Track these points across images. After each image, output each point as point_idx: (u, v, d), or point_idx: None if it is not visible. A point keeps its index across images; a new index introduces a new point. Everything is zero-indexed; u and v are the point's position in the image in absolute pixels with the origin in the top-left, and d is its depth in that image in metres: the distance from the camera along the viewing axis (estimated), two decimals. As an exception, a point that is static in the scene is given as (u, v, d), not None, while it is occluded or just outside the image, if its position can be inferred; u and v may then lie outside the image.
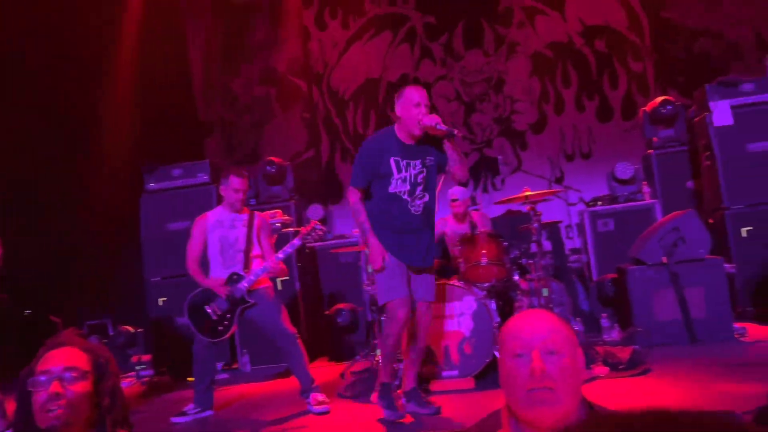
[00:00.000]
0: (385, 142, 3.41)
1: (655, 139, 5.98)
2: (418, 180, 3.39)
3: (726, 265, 4.61)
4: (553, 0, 7.66)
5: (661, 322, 4.50)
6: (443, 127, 3.22)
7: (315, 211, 6.48)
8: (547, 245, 6.03)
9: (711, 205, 5.49)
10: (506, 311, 4.80)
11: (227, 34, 8.35)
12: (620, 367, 3.89)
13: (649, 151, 5.99)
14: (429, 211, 3.49)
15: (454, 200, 5.24)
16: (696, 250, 4.54)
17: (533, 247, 4.43)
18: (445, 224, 5.46)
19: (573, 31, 7.63)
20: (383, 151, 3.38)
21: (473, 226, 4.94)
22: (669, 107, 5.89)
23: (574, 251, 6.34)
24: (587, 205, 6.03)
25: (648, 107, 6.06)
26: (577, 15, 7.62)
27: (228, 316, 3.89)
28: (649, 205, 5.68)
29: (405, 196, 3.38)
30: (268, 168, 6.34)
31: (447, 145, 3.37)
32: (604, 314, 5.08)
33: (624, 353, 4.04)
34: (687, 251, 4.53)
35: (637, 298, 4.63)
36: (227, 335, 3.90)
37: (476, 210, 5.98)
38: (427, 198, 3.44)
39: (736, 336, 4.44)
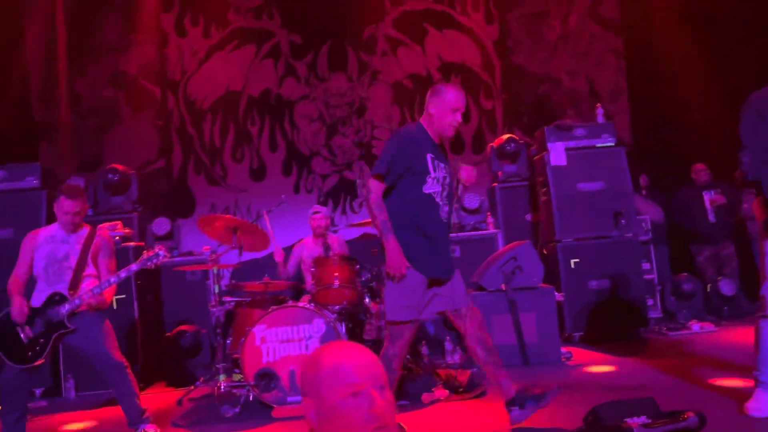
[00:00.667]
0: (421, 136, 3.10)
1: (500, 173, 6.40)
2: (445, 184, 3.11)
3: (556, 294, 5.01)
4: (415, 34, 7.99)
5: (499, 346, 4.75)
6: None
7: (160, 225, 6.11)
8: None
9: (546, 237, 5.96)
10: (356, 333, 4.82)
11: (72, 30, 7.69)
12: (460, 389, 4.04)
13: (494, 184, 6.40)
14: (450, 222, 3.24)
15: (316, 212, 5.23)
16: (531, 278, 4.88)
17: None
18: (303, 248, 5.39)
19: (432, 66, 8.00)
20: (421, 145, 3.06)
21: (327, 248, 4.92)
22: (513, 145, 6.35)
23: (424, 276, 6.54)
24: (438, 231, 6.27)
25: (495, 143, 6.48)
26: (436, 51, 8.01)
27: (41, 341, 3.41)
28: (493, 235, 6.03)
29: (438, 199, 3.07)
30: (110, 176, 5.88)
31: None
32: (448, 337, 5.27)
33: (463, 376, 4.21)
34: (523, 279, 4.85)
35: (478, 322, 4.85)
36: (38, 362, 3.44)
37: (334, 232, 5.98)
38: (448, 207, 3.17)
39: (563, 359, 4.81)
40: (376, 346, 4.81)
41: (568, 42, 8.08)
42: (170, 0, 7.89)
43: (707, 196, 6.52)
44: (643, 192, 6.95)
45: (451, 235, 6.00)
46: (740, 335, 5.15)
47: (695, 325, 5.59)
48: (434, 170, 3.05)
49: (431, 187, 3.05)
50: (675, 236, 6.94)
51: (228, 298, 4.58)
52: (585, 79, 8.05)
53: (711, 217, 6.49)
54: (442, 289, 3.16)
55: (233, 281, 5.50)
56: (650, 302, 6.13)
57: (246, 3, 7.98)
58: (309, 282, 4.85)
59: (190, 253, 6.16)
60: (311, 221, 5.25)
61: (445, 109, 3.08)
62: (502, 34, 8.06)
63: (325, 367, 1.24)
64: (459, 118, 3.08)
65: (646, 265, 6.21)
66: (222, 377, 4.17)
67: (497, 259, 4.99)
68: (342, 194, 7.80)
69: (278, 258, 5.15)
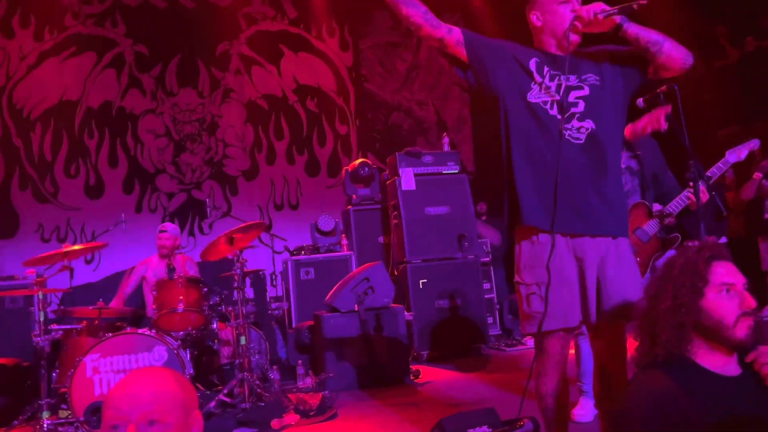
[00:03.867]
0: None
1: (354, 196, 6.50)
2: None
3: (406, 313, 5.15)
4: (270, 54, 7.94)
5: (351, 367, 4.77)
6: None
7: (-25, 246, 5.38)
8: (251, 293, 6.00)
9: (396, 258, 6.14)
10: (203, 361, 4.58)
11: None
12: (311, 413, 3.97)
13: (348, 207, 6.49)
14: None
15: (162, 231, 4.92)
16: (382, 298, 4.97)
17: (235, 294, 4.34)
18: (146, 267, 5.04)
19: (287, 87, 7.98)
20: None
21: (172, 270, 4.64)
22: (367, 169, 6.50)
23: (277, 299, 6.42)
24: (291, 253, 6.20)
25: (350, 167, 6.59)
26: (292, 72, 8.02)
27: None
28: (346, 256, 6.08)
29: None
30: None
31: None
32: (300, 361, 5.19)
33: (314, 399, 4.15)
34: (375, 300, 4.93)
35: (330, 344, 4.85)
36: None
37: (181, 253, 5.67)
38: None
39: (411, 378, 4.94)
40: (224, 372, 4.60)
41: (418, 73, 8.50)
42: (-5, -4, 7.12)
43: None
44: (483, 217, 7.44)
45: (307, 256, 6.04)
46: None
47: (530, 341, 6.04)
48: (542, 77, 2.27)
49: (538, 96, 2.27)
50: (512, 258, 7.48)
51: (56, 326, 4.12)
52: (433, 109, 8.50)
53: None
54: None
55: (62, 307, 4.99)
56: (490, 320, 6.52)
57: (86, 8, 7.41)
58: (150, 306, 4.53)
59: (11, 278, 5.48)
60: (157, 239, 4.93)
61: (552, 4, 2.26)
62: (356, 61, 8.27)
63: (106, 396, 1.18)
64: (584, 9, 2.20)
65: (486, 285, 6.61)
66: (46, 414, 3.72)
67: (350, 280, 5.03)
68: (190, 214, 7.45)
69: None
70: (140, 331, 3.92)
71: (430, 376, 5.05)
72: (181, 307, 4.08)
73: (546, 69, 2.22)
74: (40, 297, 4.00)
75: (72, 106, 7.27)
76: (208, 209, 6.03)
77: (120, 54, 7.50)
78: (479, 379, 4.75)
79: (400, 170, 5.99)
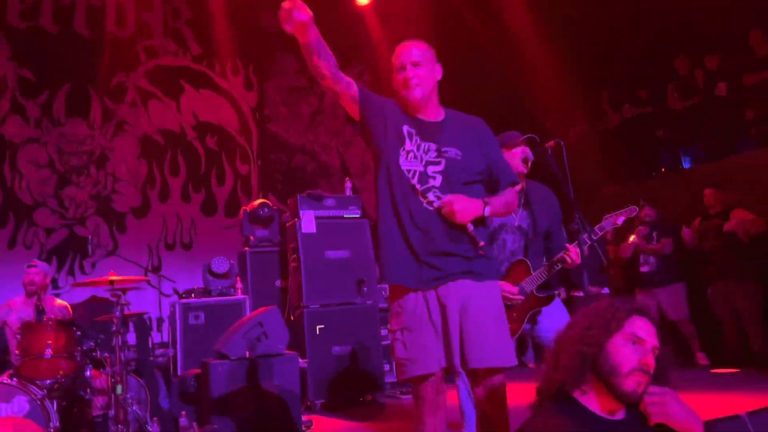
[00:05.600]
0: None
1: (251, 237, 6.30)
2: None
3: (300, 360, 4.97)
4: (170, 89, 7.69)
5: (239, 417, 4.49)
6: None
7: None
8: (133, 338, 5.59)
9: (293, 303, 5.96)
10: (73, 412, 4.15)
11: None
12: (192, 469, 3.68)
13: (245, 248, 6.27)
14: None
15: (30, 266, 4.48)
16: (276, 345, 4.78)
17: (115, 339, 4.00)
18: (9, 310, 4.55)
19: (186, 123, 7.73)
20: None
21: (40, 312, 4.21)
22: (266, 210, 6.34)
23: (162, 345, 6.02)
24: (180, 296, 5.87)
25: (249, 207, 6.41)
26: (192, 108, 7.79)
27: None
28: (241, 300, 5.83)
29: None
30: None
31: None
32: (183, 412, 4.84)
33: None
34: (268, 346, 4.73)
35: (217, 393, 4.56)
36: None
37: (55, 295, 5.21)
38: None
39: (303, 428, 4.73)
40: (97, 424, 4.20)
41: (323, 118, 8.54)
42: None
43: None
44: (384, 262, 7.45)
45: (197, 300, 5.72)
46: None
47: (425, 388, 6.01)
48: (411, 145, 2.41)
49: (407, 163, 2.41)
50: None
51: None
52: (337, 154, 8.54)
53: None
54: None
55: None
56: (387, 367, 6.45)
57: (-34, 27, 6.88)
58: (13, 352, 4.08)
59: None
60: (24, 275, 4.49)
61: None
62: (260, 102, 8.19)
63: None
64: (406, 74, 2.39)
65: (384, 332, 6.56)
66: None
67: (243, 325, 4.79)
68: (70, 252, 6.90)
69: None
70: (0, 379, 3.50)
71: (323, 426, 4.88)
72: (49, 352, 3.69)
73: (415, 138, 2.36)
74: None
75: (-61, 128, 6.63)
76: (90, 246, 5.61)
77: (2, 78, 6.96)
78: (373, 429, 4.64)
79: (301, 212, 5.90)
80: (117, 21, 7.53)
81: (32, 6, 7.14)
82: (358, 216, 6.14)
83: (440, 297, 2.26)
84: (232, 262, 6.12)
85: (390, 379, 6.48)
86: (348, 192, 6.32)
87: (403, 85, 2.38)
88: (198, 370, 5.15)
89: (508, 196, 2.44)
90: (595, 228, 3.13)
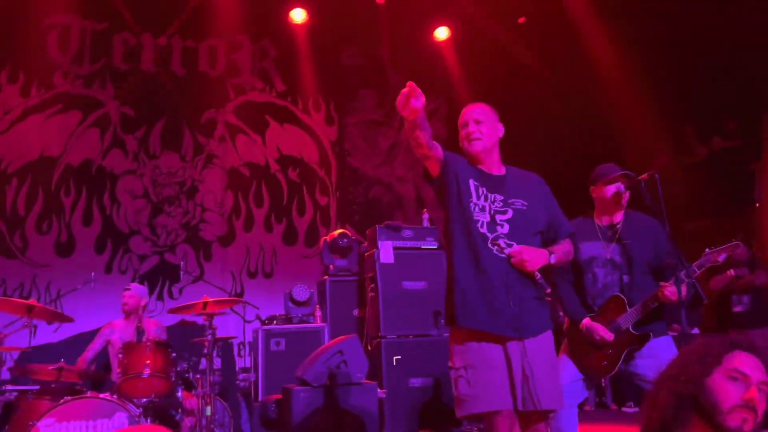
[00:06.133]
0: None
1: (331, 266, 6.44)
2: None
3: (378, 390, 5.00)
4: (256, 124, 8.07)
5: (319, 445, 4.56)
6: None
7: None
8: (218, 362, 5.80)
9: (371, 332, 6.02)
10: None
11: None
12: (275, 493, 3.76)
13: (324, 277, 6.41)
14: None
15: (126, 289, 4.78)
16: (355, 373, 4.84)
17: (203, 362, 4.19)
18: (112, 330, 4.86)
19: (271, 156, 8.07)
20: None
21: (140, 333, 4.47)
22: (345, 240, 6.48)
23: (244, 370, 6.20)
24: (262, 323, 6.06)
25: (328, 237, 6.57)
26: (276, 142, 8.14)
27: None
28: (320, 328, 5.95)
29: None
30: None
31: None
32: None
33: (281, 478, 3.94)
34: (348, 374, 4.79)
35: (297, 419, 4.65)
36: None
37: (150, 317, 5.50)
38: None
39: (382, 458, 4.74)
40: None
41: (399, 151, 8.69)
42: (-13, 51, 7.18)
43: None
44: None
45: (279, 326, 5.88)
46: None
47: (503, 424, 5.89)
48: (478, 197, 2.59)
49: (475, 214, 2.57)
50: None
51: (9, 387, 3.90)
52: (413, 186, 8.64)
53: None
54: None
55: (19, 365, 4.73)
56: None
57: (76, 68, 7.51)
58: (115, 370, 4.33)
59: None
60: (121, 297, 4.79)
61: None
62: (340, 136, 8.45)
63: None
64: (468, 129, 2.65)
65: (461, 365, 6.50)
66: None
67: (323, 352, 4.89)
68: (160, 278, 7.28)
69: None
70: (101, 395, 3.73)
71: (401, 458, 4.86)
72: (147, 371, 3.90)
73: (481, 190, 2.57)
74: (-3, 355, 3.81)
75: (51, 162, 7.21)
76: (181, 273, 5.91)
77: (105, 114, 7.54)
78: (451, 463, 4.57)
79: (380, 242, 5.99)
80: (209, 61, 8.03)
81: (134, 48, 7.74)
82: (435, 247, 6.17)
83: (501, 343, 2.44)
84: (311, 290, 6.27)
85: (466, 413, 6.39)
86: (425, 223, 6.37)
87: (465, 138, 2.64)
88: (279, 396, 5.28)
89: (567, 245, 2.66)
90: (693, 266, 3.02)
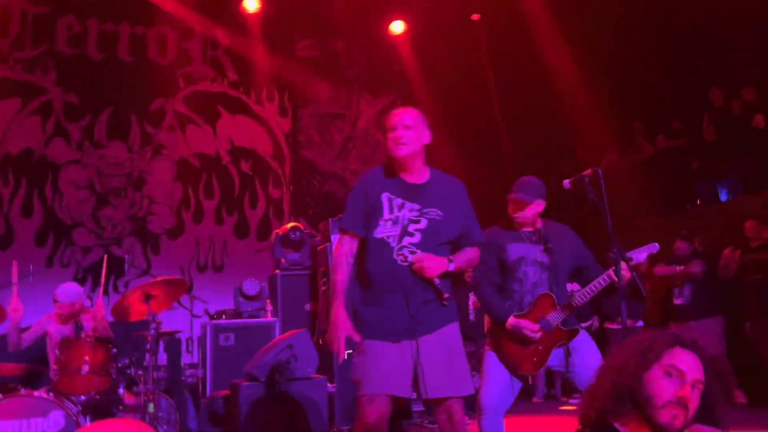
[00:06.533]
0: (377, 176, 2.76)
1: (283, 260, 6.35)
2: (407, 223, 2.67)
3: (329, 385, 4.96)
4: (207, 114, 7.89)
5: (266, 441, 4.48)
6: None
7: None
8: (163, 358, 5.65)
9: (322, 326, 5.97)
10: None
11: None
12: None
13: (276, 271, 6.32)
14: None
15: (55, 301, 4.49)
16: (305, 368, 4.78)
17: (147, 358, 4.05)
18: (50, 322, 4.64)
19: (222, 148, 7.90)
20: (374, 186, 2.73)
21: (79, 328, 4.29)
22: (297, 234, 6.39)
23: (192, 366, 6.06)
24: (211, 317, 5.93)
25: (280, 230, 6.47)
26: (228, 133, 7.97)
27: None
28: (271, 323, 5.86)
29: (393, 243, 2.65)
30: None
31: None
32: (212, 433, 4.85)
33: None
34: (298, 369, 4.73)
35: (246, 415, 4.56)
36: None
37: (89, 309, 5.29)
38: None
39: (330, 454, 4.70)
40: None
41: (354, 145, 8.65)
42: None
43: (472, 298, 7.18)
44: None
45: (228, 321, 5.75)
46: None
47: (453, 418, 5.92)
48: (391, 211, 2.64)
49: (384, 230, 2.63)
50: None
51: (-65, 386, 3.70)
52: (369, 181, 8.61)
53: (471, 317, 7.13)
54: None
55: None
56: (413, 395, 6.37)
57: (17, 53, 7.17)
58: (52, 366, 4.15)
59: None
60: (57, 308, 4.47)
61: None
62: (294, 128, 8.34)
63: None
64: (396, 134, 2.65)
65: (414, 359, 6.51)
66: None
67: (273, 347, 4.82)
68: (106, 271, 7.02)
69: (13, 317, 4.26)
70: (36, 393, 3.57)
71: (351, 452, 4.83)
72: (86, 368, 3.75)
73: (396, 201, 2.64)
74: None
75: (-12, 150, 6.88)
76: (126, 266, 5.72)
77: (48, 102, 7.23)
78: (401, 457, 4.57)
79: (333, 236, 5.93)
80: (158, 49, 7.79)
81: (79, 34, 7.44)
82: (388, 242, 6.15)
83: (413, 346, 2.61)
84: (263, 284, 6.17)
85: (417, 407, 6.41)
86: (379, 218, 6.34)
87: (393, 142, 2.63)
88: (227, 392, 5.17)
89: (471, 253, 2.76)
90: (628, 254, 3.11)
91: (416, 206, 2.63)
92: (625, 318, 3.16)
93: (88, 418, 3.79)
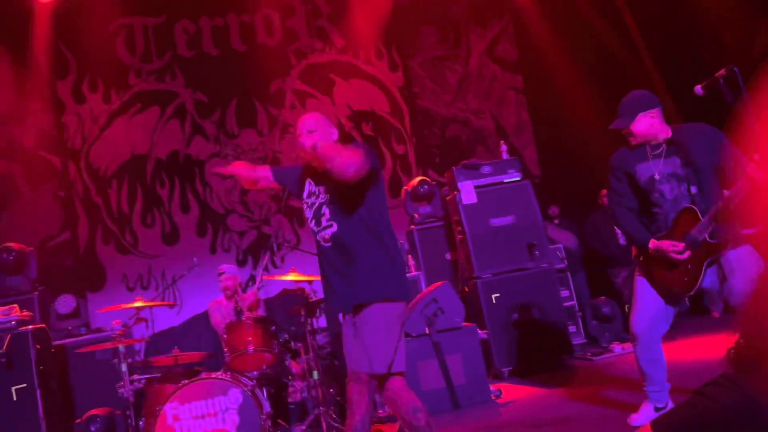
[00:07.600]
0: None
1: (416, 215, 6.42)
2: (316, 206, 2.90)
3: (479, 331, 4.99)
4: (322, 85, 8.05)
5: (427, 391, 4.65)
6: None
7: (64, 302, 5.72)
8: (323, 322, 6.01)
9: (465, 274, 5.99)
10: (280, 397, 4.61)
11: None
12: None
13: (411, 227, 6.41)
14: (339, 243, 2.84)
15: (220, 273, 5.07)
16: (453, 318, 4.85)
17: (304, 329, 4.35)
18: (219, 307, 5.17)
19: (342, 115, 8.05)
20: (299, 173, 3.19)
21: (239, 312, 4.72)
22: (426, 186, 6.41)
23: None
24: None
25: (408, 186, 6.52)
26: (345, 100, 8.09)
27: None
28: (415, 277, 5.99)
29: (312, 226, 3.00)
30: (4, 256, 5.48)
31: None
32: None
33: (392, 430, 4.08)
34: (445, 320, 4.82)
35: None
36: None
37: (246, 293, 5.79)
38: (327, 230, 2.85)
39: (493, 398, 4.77)
40: (301, 407, 4.61)
41: (470, 83, 8.36)
42: (65, 66, 7.61)
43: None
44: (555, 221, 7.15)
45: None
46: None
47: (617, 347, 5.71)
48: (309, 196, 2.96)
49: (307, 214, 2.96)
50: (591, 261, 7.15)
51: (137, 376, 4.29)
52: (490, 116, 8.32)
53: (621, 240, 6.73)
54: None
55: (145, 357, 5.19)
56: (572, 329, 6.23)
57: (146, 66, 7.81)
58: (224, 349, 4.63)
59: (100, 330, 5.78)
60: (219, 282, 5.07)
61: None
62: (407, 80, 8.25)
63: None
64: (301, 141, 2.90)
65: (564, 293, 6.34)
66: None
67: (418, 302, 4.93)
68: (261, 250, 7.61)
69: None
70: (214, 375, 4.00)
71: (513, 394, 4.87)
72: (251, 348, 4.13)
73: (310, 187, 2.95)
74: (121, 349, 4.17)
75: (142, 159, 7.64)
76: (274, 244, 6.12)
77: (181, 104, 7.83)
78: (565, 395, 4.52)
79: (459, 184, 5.86)
80: (266, 32, 8.04)
81: (194, 34, 7.90)
82: (518, 179, 5.95)
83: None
84: (401, 241, 6.28)
85: (578, 340, 6.26)
86: (504, 155, 6.13)
87: (300, 147, 2.90)
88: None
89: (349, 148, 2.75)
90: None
91: (323, 188, 2.90)
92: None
93: (264, 390, 4.19)
